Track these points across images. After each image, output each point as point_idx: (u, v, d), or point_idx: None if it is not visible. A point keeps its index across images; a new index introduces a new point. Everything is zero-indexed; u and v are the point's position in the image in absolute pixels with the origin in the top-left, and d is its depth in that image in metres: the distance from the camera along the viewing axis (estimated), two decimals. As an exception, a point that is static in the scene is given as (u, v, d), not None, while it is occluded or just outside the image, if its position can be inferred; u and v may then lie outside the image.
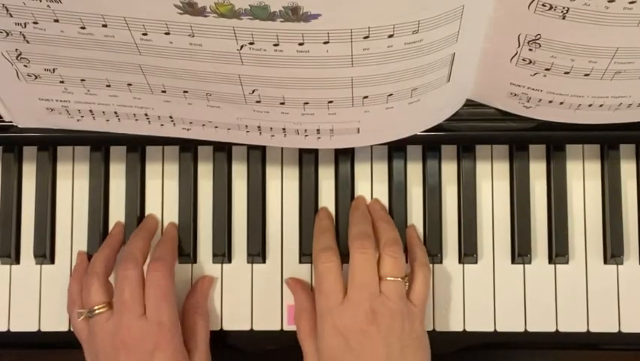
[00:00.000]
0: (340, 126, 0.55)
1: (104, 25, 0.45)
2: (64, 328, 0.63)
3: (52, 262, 0.64)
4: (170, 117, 0.56)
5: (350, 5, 0.41)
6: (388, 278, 0.56)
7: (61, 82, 0.52)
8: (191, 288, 0.63)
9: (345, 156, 0.64)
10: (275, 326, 0.63)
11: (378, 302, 0.55)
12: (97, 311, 0.57)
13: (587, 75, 0.49)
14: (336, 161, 0.64)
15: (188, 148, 0.64)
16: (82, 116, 0.57)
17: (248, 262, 0.64)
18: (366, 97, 0.51)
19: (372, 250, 0.57)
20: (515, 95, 0.54)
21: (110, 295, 0.58)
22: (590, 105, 0.54)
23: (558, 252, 0.62)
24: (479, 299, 0.63)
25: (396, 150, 0.64)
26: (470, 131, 0.59)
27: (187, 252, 0.64)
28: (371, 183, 0.64)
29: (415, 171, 0.64)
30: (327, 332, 0.55)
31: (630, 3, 0.42)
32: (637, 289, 0.63)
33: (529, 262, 0.63)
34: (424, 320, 0.58)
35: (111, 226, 0.64)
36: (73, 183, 0.65)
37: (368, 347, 0.54)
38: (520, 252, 0.62)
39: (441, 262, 0.63)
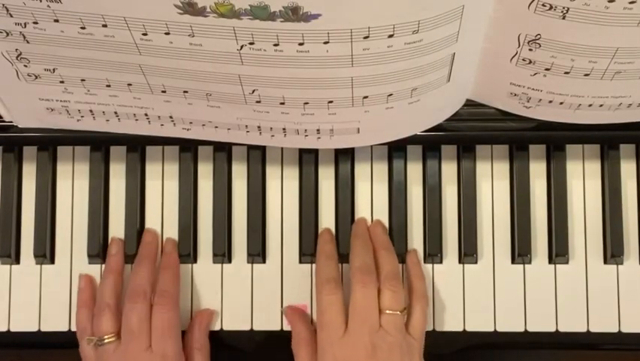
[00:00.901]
0: (340, 126, 0.55)
1: (104, 26, 0.45)
2: (64, 328, 0.63)
3: (52, 262, 0.64)
4: (170, 117, 0.56)
5: (350, 5, 0.41)
6: (387, 311, 0.57)
7: (61, 82, 0.52)
8: (190, 322, 0.63)
9: (345, 156, 0.64)
10: (275, 326, 0.63)
11: (377, 337, 0.56)
12: (106, 341, 0.58)
13: (587, 75, 0.49)
14: (336, 161, 0.64)
15: (188, 148, 0.64)
16: (82, 116, 0.57)
17: (248, 262, 0.64)
18: (366, 97, 0.51)
19: (374, 284, 0.58)
20: (515, 95, 0.54)
21: (119, 324, 0.59)
22: (590, 105, 0.54)
23: (558, 252, 0.62)
24: (479, 299, 0.63)
25: (396, 150, 0.64)
26: (470, 131, 0.59)
27: (187, 252, 0.63)
28: (371, 183, 0.64)
29: (415, 171, 0.64)
30: None
31: (630, 3, 0.42)
32: (637, 289, 0.63)
33: (529, 262, 0.63)
34: (422, 353, 0.59)
35: (111, 225, 0.64)
36: (73, 183, 0.65)
37: None
38: (520, 252, 0.62)
39: (441, 262, 0.63)
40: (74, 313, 0.62)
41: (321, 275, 0.60)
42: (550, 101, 0.54)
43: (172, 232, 0.64)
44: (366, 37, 0.44)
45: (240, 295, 0.64)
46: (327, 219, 0.64)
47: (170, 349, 0.58)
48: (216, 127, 0.57)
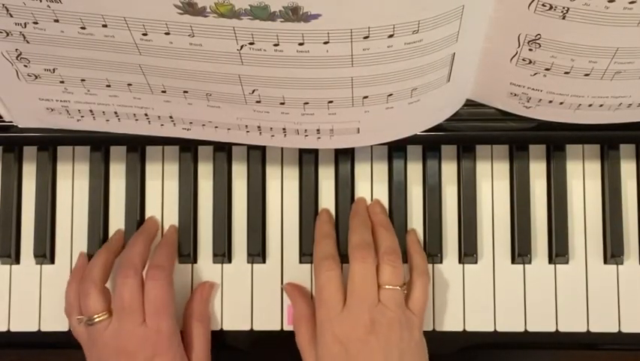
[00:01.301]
0: (340, 126, 0.55)
1: (104, 26, 0.45)
2: (64, 328, 0.63)
3: (52, 262, 0.64)
4: (170, 117, 0.56)
5: (350, 5, 0.41)
6: (387, 287, 0.57)
7: (61, 82, 0.52)
8: (191, 294, 0.63)
9: (345, 156, 0.64)
10: (275, 326, 0.63)
11: (376, 312, 0.56)
12: (96, 320, 0.57)
13: (587, 75, 0.49)
14: (336, 161, 0.64)
15: (188, 148, 0.64)
16: (82, 116, 0.57)
17: (248, 262, 0.64)
18: (366, 97, 0.51)
19: (372, 259, 0.58)
20: (515, 95, 0.54)
21: (108, 301, 0.58)
22: (590, 105, 0.54)
23: (558, 252, 0.62)
24: (479, 299, 0.63)
25: (396, 150, 0.64)
26: (470, 131, 0.59)
27: (187, 252, 0.63)
28: (371, 183, 0.64)
29: (415, 171, 0.64)
30: (327, 340, 0.56)
31: (630, 3, 0.42)
32: (637, 289, 0.63)
33: (529, 262, 0.63)
34: (422, 328, 0.59)
35: (111, 225, 0.64)
36: (73, 183, 0.65)
37: (367, 356, 0.55)
38: (520, 252, 0.62)
39: (441, 262, 0.63)
40: (74, 313, 0.62)
41: (318, 253, 0.60)
42: (551, 101, 0.54)
43: (172, 232, 0.64)
44: (366, 37, 0.44)
45: (240, 295, 0.64)
46: (327, 219, 0.64)
47: (165, 323, 0.57)
48: (216, 127, 0.57)
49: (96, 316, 0.57)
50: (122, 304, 0.57)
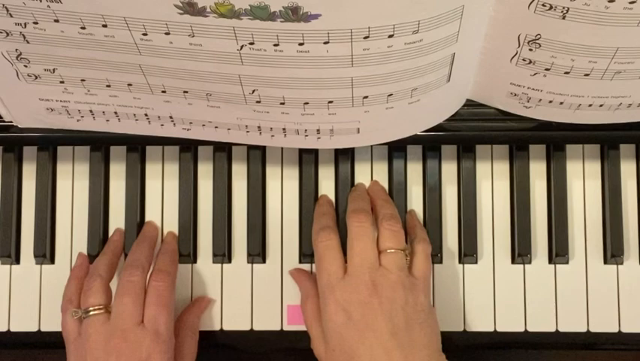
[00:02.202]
0: (340, 126, 0.55)
1: (104, 26, 0.45)
2: (64, 328, 0.63)
3: (52, 262, 0.64)
4: (170, 117, 0.56)
5: (350, 5, 0.41)
6: (388, 251, 0.56)
7: (61, 82, 0.52)
8: (189, 305, 0.63)
9: (345, 156, 0.64)
10: (275, 326, 0.63)
11: (378, 274, 0.55)
12: (92, 312, 0.57)
13: (587, 75, 0.49)
14: (336, 161, 0.64)
15: (188, 148, 0.64)
16: (82, 117, 0.57)
17: (248, 262, 0.64)
18: (366, 97, 0.51)
19: (370, 223, 0.57)
20: (515, 95, 0.54)
21: (109, 299, 0.58)
22: (590, 105, 0.54)
23: (558, 252, 0.62)
24: (479, 299, 0.63)
25: (396, 150, 0.64)
26: (470, 131, 0.59)
27: (187, 252, 0.63)
28: (371, 183, 0.64)
29: (415, 171, 0.64)
30: (330, 308, 0.55)
31: (630, 3, 0.42)
32: (637, 289, 0.63)
33: (529, 262, 0.63)
34: (429, 295, 0.58)
35: (111, 225, 0.64)
36: (73, 183, 0.65)
37: (371, 320, 0.54)
38: (520, 252, 0.62)
39: (441, 262, 0.63)
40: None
41: (315, 227, 0.60)
42: (551, 101, 0.54)
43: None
44: (366, 38, 0.44)
45: (240, 295, 0.64)
46: (327, 219, 0.64)
47: (164, 326, 0.56)
48: (216, 127, 0.57)
49: (92, 308, 0.57)
50: (122, 302, 0.56)
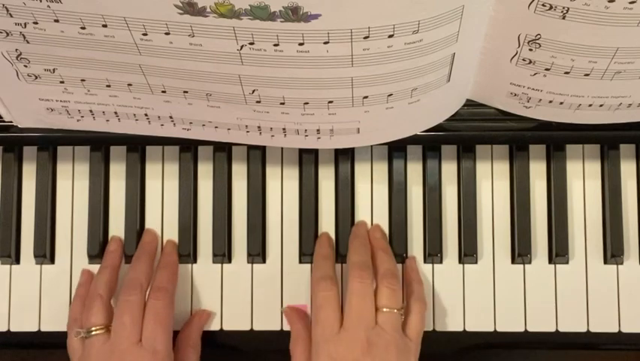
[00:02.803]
0: (340, 126, 0.55)
1: (104, 26, 0.45)
2: (64, 328, 0.63)
3: (52, 262, 0.64)
4: (170, 117, 0.56)
5: (350, 5, 0.41)
6: (384, 309, 0.57)
7: (61, 82, 0.52)
8: (188, 320, 0.63)
9: (345, 156, 0.64)
10: (275, 326, 0.63)
11: (373, 333, 0.56)
12: (94, 332, 0.57)
13: (587, 75, 0.49)
14: (336, 161, 0.64)
15: (188, 148, 0.64)
16: (82, 117, 0.57)
17: (248, 262, 0.64)
18: (366, 97, 0.51)
19: (371, 280, 0.58)
20: (515, 95, 0.54)
21: (110, 318, 0.58)
22: (590, 105, 0.54)
23: (558, 252, 0.62)
24: (479, 299, 0.63)
25: (396, 150, 0.64)
26: (470, 131, 0.59)
27: (187, 252, 0.64)
28: (371, 183, 0.64)
29: (415, 171, 0.64)
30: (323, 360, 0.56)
31: (630, 3, 0.42)
32: (637, 289, 0.63)
33: (529, 262, 0.63)
34: (417, 356, 0.58)
35: (111, 225, 0.64)
36: (73, 183, 0.65)
37: None
38: (520, 252, 0.62)
39: (441, 262, 0.63)
40: (74, 313, 0.62)
41: (316, 273, 0.60)
42: (551, 101, 0.54)
43: (172, 232, 0.64)
44: (366, 38, 0.44)
45: (240, 295, 0.64)
46: (327, 219, 0.64)
47: (162, 345, 0.57)
48: (216, 127, 0.57)
49: (94, 328, 0.57)
50: (121, 321, 0.57)
